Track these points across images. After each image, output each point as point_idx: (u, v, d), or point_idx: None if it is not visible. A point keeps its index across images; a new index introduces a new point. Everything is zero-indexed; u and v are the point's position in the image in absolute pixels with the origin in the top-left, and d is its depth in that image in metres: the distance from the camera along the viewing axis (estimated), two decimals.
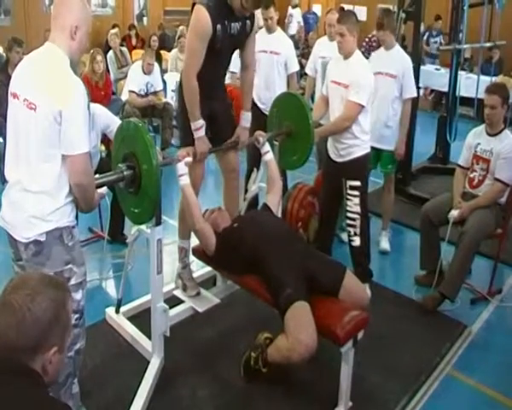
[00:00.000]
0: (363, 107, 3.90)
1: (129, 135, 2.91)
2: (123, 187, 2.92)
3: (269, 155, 3.73)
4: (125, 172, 2.82)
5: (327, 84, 4.20)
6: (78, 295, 2.57)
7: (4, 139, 5.92)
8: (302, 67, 7.12)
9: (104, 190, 3.20)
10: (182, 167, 3.20)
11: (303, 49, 10.31)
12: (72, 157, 2.38)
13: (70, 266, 2.52)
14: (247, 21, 3.39)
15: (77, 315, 2.59)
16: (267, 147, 3.74)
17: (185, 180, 3.21)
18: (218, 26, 3.20)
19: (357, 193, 4.05)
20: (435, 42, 11.57)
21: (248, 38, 3.50)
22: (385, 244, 5.07)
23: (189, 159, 3.23)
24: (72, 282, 2.53)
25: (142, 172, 2.79)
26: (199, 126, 3.33)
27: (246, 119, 3.66)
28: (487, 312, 4.18)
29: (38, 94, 2.36)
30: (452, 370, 3.54)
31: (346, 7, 5.45)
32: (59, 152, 2.38)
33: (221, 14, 3.20)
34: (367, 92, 3.91)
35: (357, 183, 4.05)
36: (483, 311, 4.18)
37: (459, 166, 4.44)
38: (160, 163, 2.83)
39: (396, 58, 4.70)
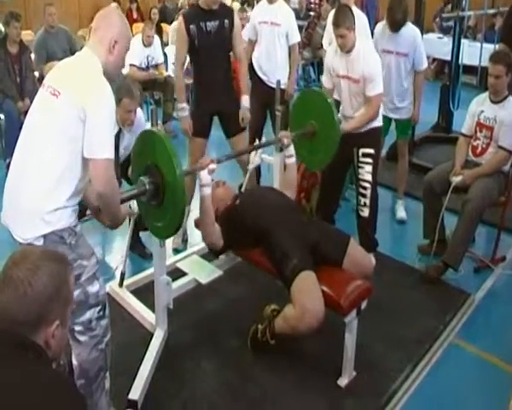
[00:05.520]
0: (382, 93, 4.00)
1: (149, 145, 2.74)
2: (145, 201, 2.78)
3: (292, 159, 3.64)
4: (147, 186, 2.68)
5: (331, 78, 4.17)
6: (94, 288, 2.44)
7: (5, 116, 5.94)
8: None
9: (134, 208, 3.07)
10: (205, 177, 3.04)
11: (314, 17, 9.97)
12: (93, 161, 2.27)
13: (78, 262, 2.36)
14: (225, 21, 4.07)
15: (98, 307, 2.47)
16: (292, 150, 3.62)
17: (207, 191, 3.07)
18: (192, 27, 4.00)
19: (370, 160, 4.05)
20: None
21: (233, 34, 4.15)
22: (401, 213, 5.10)
23: (214, 166, 3.04)
24: (84, 277, 2.39)
25: (165, 183, 2.64)
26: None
27: (244, 100, 4.33)
28: (491, 280, 4.19)
29: (64, 84, 2.30)
30: (456, 338, 3.56)
31: None
32: (68, 146, 2.27)
33: (195, 16, 4.04)
34: (381, 77, 3.96)
35: (371, 150, 4.05)
36: (486, 279, 4.19)
37: (462, 134, 4.41)
38: (183, 173, 2.67)
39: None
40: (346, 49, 3.92)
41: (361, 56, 3.91)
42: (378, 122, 4.11)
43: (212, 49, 4.09)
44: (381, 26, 4.87)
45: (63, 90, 2.28)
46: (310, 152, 3.89)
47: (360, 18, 4.96)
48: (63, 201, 2.30)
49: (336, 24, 3.86)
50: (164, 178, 2.64)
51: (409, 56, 4.68)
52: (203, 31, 4.02)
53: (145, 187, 2.68)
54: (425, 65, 4.85)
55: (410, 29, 4.71)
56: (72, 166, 2.30)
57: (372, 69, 3.90)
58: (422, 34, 5.92)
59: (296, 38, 5.22)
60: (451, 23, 6.62)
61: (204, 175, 3.03)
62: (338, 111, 4.09)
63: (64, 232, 2.32)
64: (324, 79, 4.29)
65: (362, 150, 4.05)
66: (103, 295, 2.52)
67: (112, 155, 2.31)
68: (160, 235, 2.99)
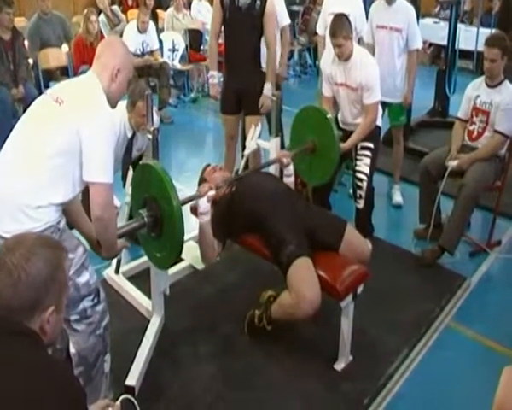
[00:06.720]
0: (379, 100, 4.03)
1: (146, 178, 2.77)
2: (145, 233, 2.81)
3: (291, 178, 3.59)
4: (146, 219, 2.69)
5: (331, 86, 4.17)
6: (83, 278, 2.42)
7: None
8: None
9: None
10: (204, 205, 3.01)
11: (310, 2, 9.82)
12: (92, 185, 2.26)
13: None
14: (257, 1, 4.16)
15: (91, 296, 2.46)
16: (291, 169, 3.56)
17: (206, 219, 3.05)
18: None
19: (368, 153, 4.07)
20: None
21: (264, 18, 4.22)
22: (398, 198, 5.10)
23: (212, 192, 3.04)
24: (72, 270, 2.33)
25: (164, 215, 2.66)
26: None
27: (266, 88, 4.36)
28: (486, 264, 4.20)
29: (68, 95, 2.33)
30: (451, 321, 3.58)
31: None
32: (60, 153, 2.23)
33: None
34: (378, 83, 3.97)
35: (370, 144, 4.07)
36: (482, 263, 4.20)
37: (458, 118, 4.40)
38: (181, 202, 2.68)
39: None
40: (343, 57, 3.93)
41: (358, 65, 3.92)
42: (378, 122, 4.13)
43: (241, 26, 4.26)
44: (376, 2, 4.89)
45: (66, 99, 2.30)
46: (309, 167, 3.88)
47: (357, 1, 4.98)
48: (47, 202, 2.26)
49: (333, 34, 3.85)
50: (162, 211, 2.66)
51: (402, 32, 4.64)
52: (235, 5, 4.21)
53: (144, 220, 2.70)
54: (419, 44, 4.80)
55: (404, 4, 4.74)
56: (62, 176, 2.27)
57: (370, 77, 3.92)
58: (419, 19, 5.92)
59: (286, 20, 5.22)
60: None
61: (203, 203, 3.01)
62: (336, 118, 4.18)
63: (46, 231, 2.27)
64: (323, 86, 4.28)
65: (361, 143, 4.07)
66: (95, 283, 2.50)
67: (111, 180, 2.29)
68: (159, 265, 3.01)
